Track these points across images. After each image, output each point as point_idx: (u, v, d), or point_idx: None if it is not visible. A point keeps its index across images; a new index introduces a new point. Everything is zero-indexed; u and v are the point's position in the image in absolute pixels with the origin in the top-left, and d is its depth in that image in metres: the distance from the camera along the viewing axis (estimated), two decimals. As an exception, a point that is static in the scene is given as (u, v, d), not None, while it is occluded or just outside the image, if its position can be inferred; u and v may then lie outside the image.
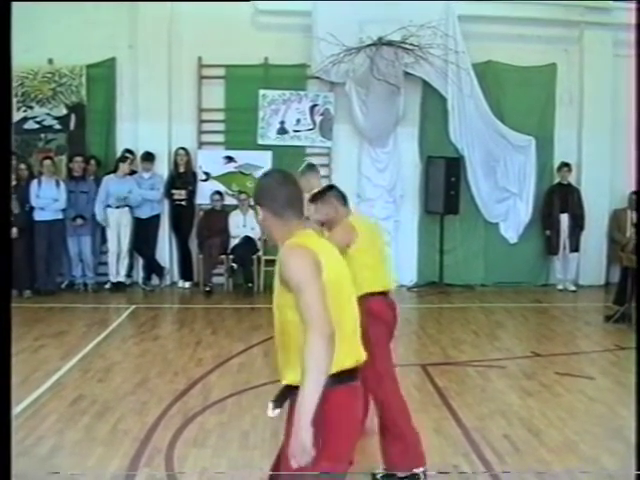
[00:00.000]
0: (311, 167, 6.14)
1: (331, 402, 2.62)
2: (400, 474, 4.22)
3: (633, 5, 9.43)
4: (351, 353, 2.75)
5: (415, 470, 4.21)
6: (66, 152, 10.64)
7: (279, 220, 2.83)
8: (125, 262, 10.45)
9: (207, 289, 10.28)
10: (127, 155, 10.44)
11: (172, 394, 5.80)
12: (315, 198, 4.43)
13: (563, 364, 6.87)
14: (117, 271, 10.42)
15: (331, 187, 4.63)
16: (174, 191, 10.58)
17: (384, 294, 4.42)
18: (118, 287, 10.37)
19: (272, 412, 2.76)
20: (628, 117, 9.81)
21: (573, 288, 10.90)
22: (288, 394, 2.74)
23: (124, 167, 10.23)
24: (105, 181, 10.26)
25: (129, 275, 10.62)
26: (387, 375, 4.35)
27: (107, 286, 10.47)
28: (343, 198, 4.49)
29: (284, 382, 2.77)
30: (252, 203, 2.76)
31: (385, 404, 4.29)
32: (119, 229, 10.32)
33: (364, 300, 3.57)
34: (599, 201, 10.95)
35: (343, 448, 2.74)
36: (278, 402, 2.77)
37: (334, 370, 2.61)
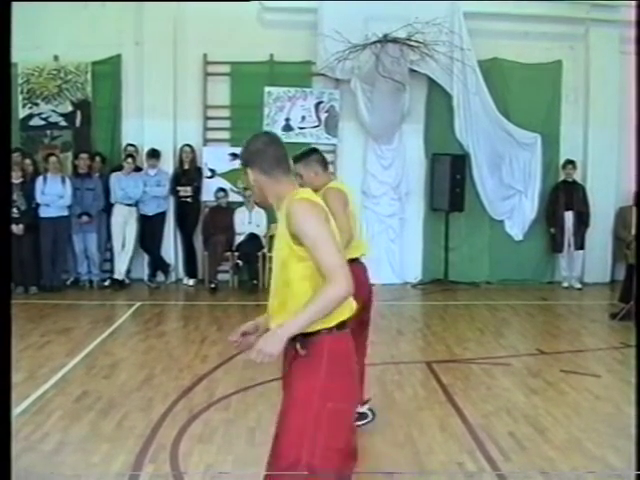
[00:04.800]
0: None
1: (338, 347, 2.86)
2: None
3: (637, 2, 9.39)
4: (347, 306, 2.90)
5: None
6: (72, 149, 10.65)
7: (270, 178, 2.96)
8: (131, 259, 10.50)
9: (212, 286, 10.29)
10: (130, 149, 10.45)
11: (177, 391, 5.81)
12: (297, 159, 4.37)
13: (568, 362, 6.86)
14: (128, 268, 10.47)
15: (314, 150, 4.64)
16: (179, 188, 10.58)
17: (358, 260, 4.64)
18: (122, 284, 10.37)
19: (302, 351, 2.87)
20: (634, 114, 9.78)
21: (578, 286, 10.88)
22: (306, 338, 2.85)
23: (127, 165, 10.23)
24: (115, 179, 10.22)
25: (129, 271, 10.65)
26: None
27: (106, 283, 10.44)
28: (324, 163, 4.52)
29: (275, 324, 2.86)
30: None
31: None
32: (125, 226, 10.33)
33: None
34: (604, 198, 10.93)
35: (354, 385, 2.99)
36: (303, 343, 2.86)
37: (338, 320, 2.84)
